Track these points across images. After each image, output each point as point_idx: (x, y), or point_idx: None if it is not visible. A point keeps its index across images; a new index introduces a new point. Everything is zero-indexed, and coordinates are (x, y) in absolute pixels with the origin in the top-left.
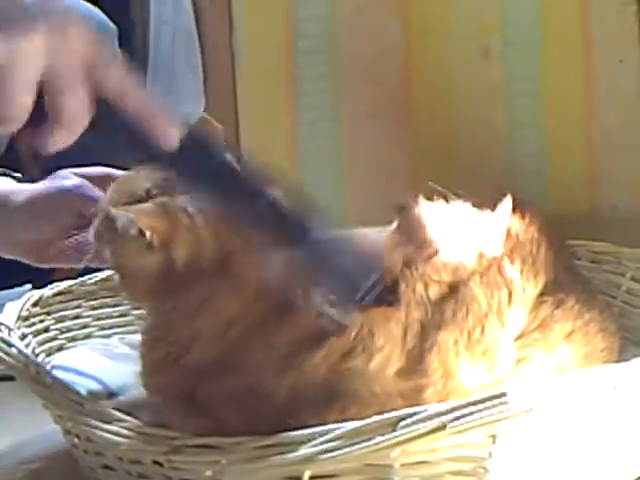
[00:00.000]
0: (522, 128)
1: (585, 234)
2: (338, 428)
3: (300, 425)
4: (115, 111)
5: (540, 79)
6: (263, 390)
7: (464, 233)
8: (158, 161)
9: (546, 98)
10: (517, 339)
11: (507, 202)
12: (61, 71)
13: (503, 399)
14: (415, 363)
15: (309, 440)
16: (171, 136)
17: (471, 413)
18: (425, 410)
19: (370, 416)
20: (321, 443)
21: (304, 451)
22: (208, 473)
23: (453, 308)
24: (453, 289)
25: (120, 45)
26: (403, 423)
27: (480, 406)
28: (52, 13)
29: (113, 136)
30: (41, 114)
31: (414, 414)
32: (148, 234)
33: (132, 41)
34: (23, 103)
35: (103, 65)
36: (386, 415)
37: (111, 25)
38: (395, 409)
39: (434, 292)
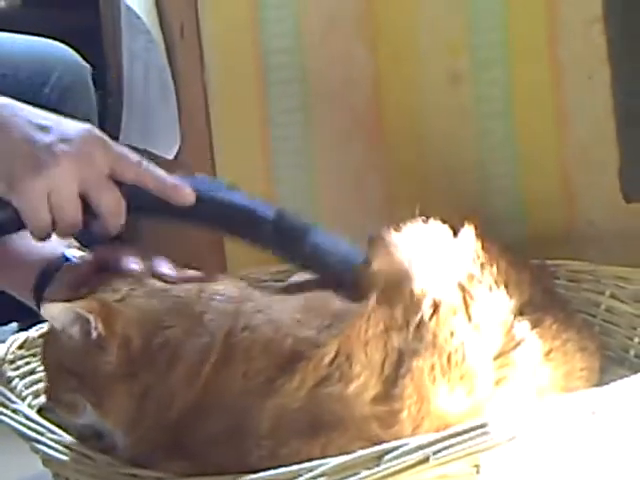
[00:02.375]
0: (494, 149)
1: (563, 252)
2: (323, 464)
3: (290, 454)
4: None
5: (510, 99)
6: (247, 423)
7: (435, 260)
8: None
9: (517, 118)
10: (495, 359)
11: (468, 229)
12: (90, 180)
13: (485, 429)
14: (390, 388)
15: (295, 477)
16: (188, 195)
17: (454, 444)
18: (407, 443)
19: (350, 440)
20: None
21: None
22: None
23: (433, 332)
24: (433, 314)
25: (94, 82)
26: (387, 457)
27: (462, 437)
28: (70, 138)
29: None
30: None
31: (398, 447)
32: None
33: (106, 77)
34: (76, 211)
35: (118, 162)
36: (370, 449)
37: (84, 64)
38: (371, 433)
39: (416, 318)
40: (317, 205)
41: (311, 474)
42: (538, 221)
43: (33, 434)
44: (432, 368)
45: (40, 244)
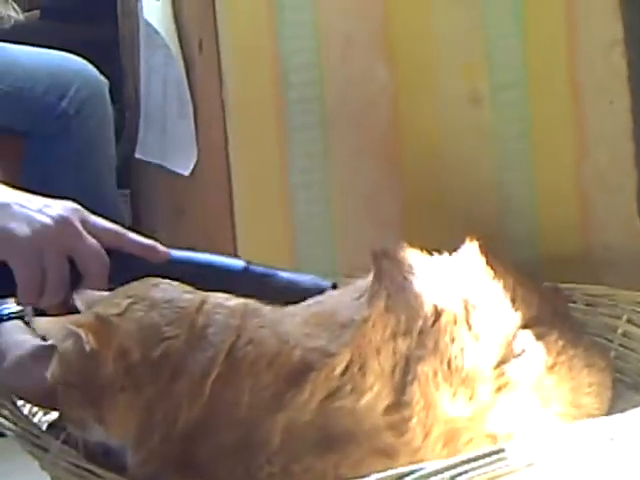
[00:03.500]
0: (512, 171)
1: (579, 275)
2: None
3: (303, 470)
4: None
5: (529, 122)
6: (257, 437)
7: (438, 270)
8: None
9: (535, 141)
10: (495, 367)
11: (471, 244)
12: (77, 243)
13: (502, 454)
14: (400, 396)
15: None
16: (163, 253)
17: (472, 469)
18: (424, 467)
19: (364, 454)
20: None
21: None
22: None
23: (435, 339)
24: (435, 321)
25: (112, 96)
26: None
27: (480, 462)
28: (54, 207)
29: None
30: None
31: (414, 472)
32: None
33: (123, 92)
34: (66, 270)
35: (98, 228)
36: (386, 473)
37: (102, 78)
38: (385, 443)
39: (419, 324)
40: (332, 223)
41: None
42: (554, 244)
43: (40, 452)
44: (435, 374)
45: None
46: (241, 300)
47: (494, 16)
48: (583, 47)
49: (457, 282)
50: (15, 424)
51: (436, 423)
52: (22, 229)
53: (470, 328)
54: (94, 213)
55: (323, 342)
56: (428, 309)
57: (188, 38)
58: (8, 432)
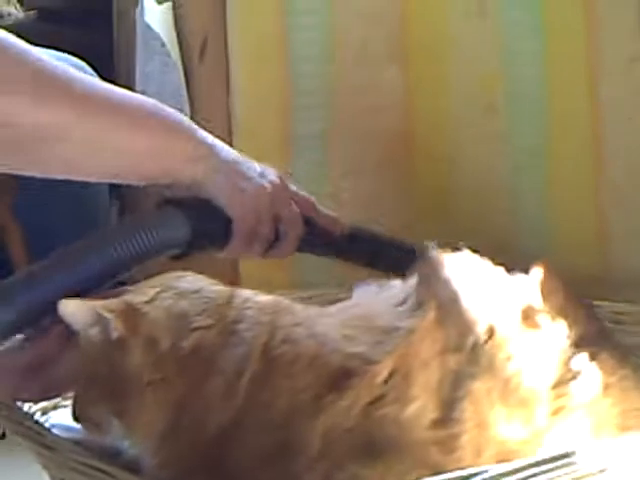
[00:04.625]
0: (527, 185)
1: (594, 292)
2: None
3: (347, 479)
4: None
5: (546, 134)
6: (295, 442)
7: (492, 285)
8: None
9: (552, 154)
10: (552, 389)
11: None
12: (282, 205)
13: (571, 459)
14: (448, 412)
15: None
16: (344, 226)
17: (540, 473)
18: (486, 471)
19: (410, 467)
20: None
21: None
22: None
23: (489, 356)
24: (489, 338)
25: None
26: None
27: (548, 466)
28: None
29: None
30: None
31: (474, 475)
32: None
33: None
34: (273, 227)
35: (295, 196)
36: (444, 477)
37: None
38: (432, 459)
39: (470, 340)
40: None
41: None
42: (568, 259)
43: (48, 451)
44: (489, 392)
45: None
46: (270, 296)
47: (512, 26)
48: (603, 62)
49: (511, 297)
50: (20, 423)
51: (489, 443)
52: (249, 189)
53: (526, 346)
54: (83, 219)
55: (364, 348)
56: (481, 324)
57: (189, 45)
58: (12, 432)
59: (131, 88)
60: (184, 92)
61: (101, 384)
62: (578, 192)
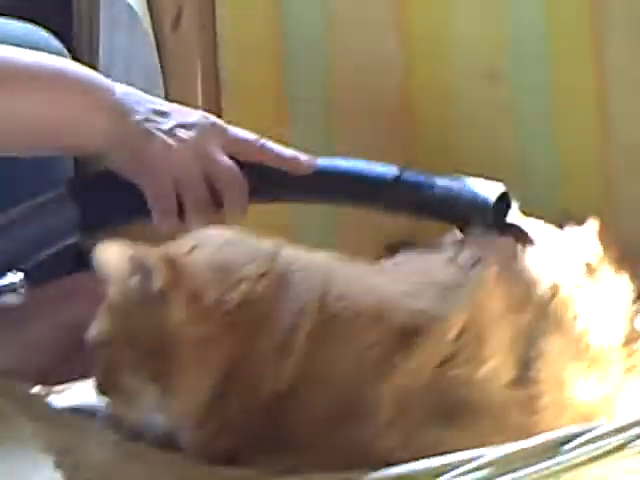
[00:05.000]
0: (533, 153)
1: None
2: (483, 455)
3: (425, 443)
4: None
5: (550, 102)
6: (363, 405)
7: (556, 243)
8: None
9: (557, 119)
10: (624, 346)
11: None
12: (213, 161)
13: None
14: (525, 371)
15: (452, 468)
16: (307, 164)
17: None
18: (592, 429)
19: (490, 429)
20: (466, 472)
21: None
22: None
23: (556, 315)
24: (553, 295)
25: None
26: (567, 446)
27: None
28: (189, 124)
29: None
30: None
31: (580, 434)
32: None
33: None
34: (205, 190)
35: (235, 143)
36: (543, 436)
37: (66, 52)
38: (512, 421)
39: (535, 298)
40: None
41: (472, 465)
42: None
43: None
44: (562, 352)
45: None
46: (319, 252)
47: None
48: (609, 23)
49: (570, 250)
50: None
51: (567, 405)
52: (155, 149)
53: (593, 304)
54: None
55: (428, 304)
56: (544, 281)
57: (160, 15)
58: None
59: (94, 66)
60: (156, 66)
61: (137, 343)
62: (586, 157)
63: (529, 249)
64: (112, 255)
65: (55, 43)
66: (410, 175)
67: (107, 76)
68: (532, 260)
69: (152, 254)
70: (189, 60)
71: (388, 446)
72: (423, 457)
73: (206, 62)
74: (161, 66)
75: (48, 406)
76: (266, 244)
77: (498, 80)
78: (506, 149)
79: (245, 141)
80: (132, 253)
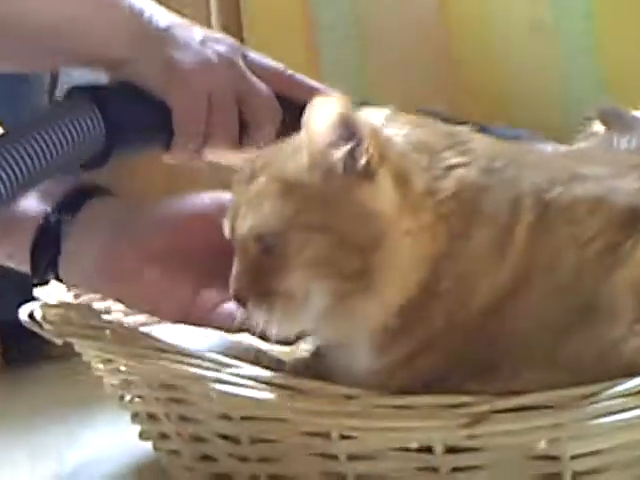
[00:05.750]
0: (578, 101)
1: None
2: None
3: None
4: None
5: (595, 52)
6: (596, 304)
7: None
8: None
9: (603, 63)
10: None
11: None
12: (246, 86)
13: None
14: None
15: None
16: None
17: None
18: None
19: None
20: None
21: None
22: (541, 444)
23: None
24: None
25: None
26: None
27: None
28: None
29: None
30: None
31: None
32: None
33: None
34: (235, 116)
35: (258, 70)
36: None
37: None
38: None
39: None
40: None
41: None
42: None
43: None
44: None
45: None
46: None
47: None
48: None
49: None
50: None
51: None
52: (187, 61)
53: None
54: None
55: None
56: None
57: None
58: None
59: None
60: None
61: (328, 233)
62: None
63: None
64: (327, 111)
65: None
66: None
67: None
68: None
69: (362, 120)
70: None
71: (637, 347)
72: None
73: None
74: None
75: None
76: (457, 129)
77: (541, 29)
78: (550, 92)
79: (273, 69)
80: (346, 113)
